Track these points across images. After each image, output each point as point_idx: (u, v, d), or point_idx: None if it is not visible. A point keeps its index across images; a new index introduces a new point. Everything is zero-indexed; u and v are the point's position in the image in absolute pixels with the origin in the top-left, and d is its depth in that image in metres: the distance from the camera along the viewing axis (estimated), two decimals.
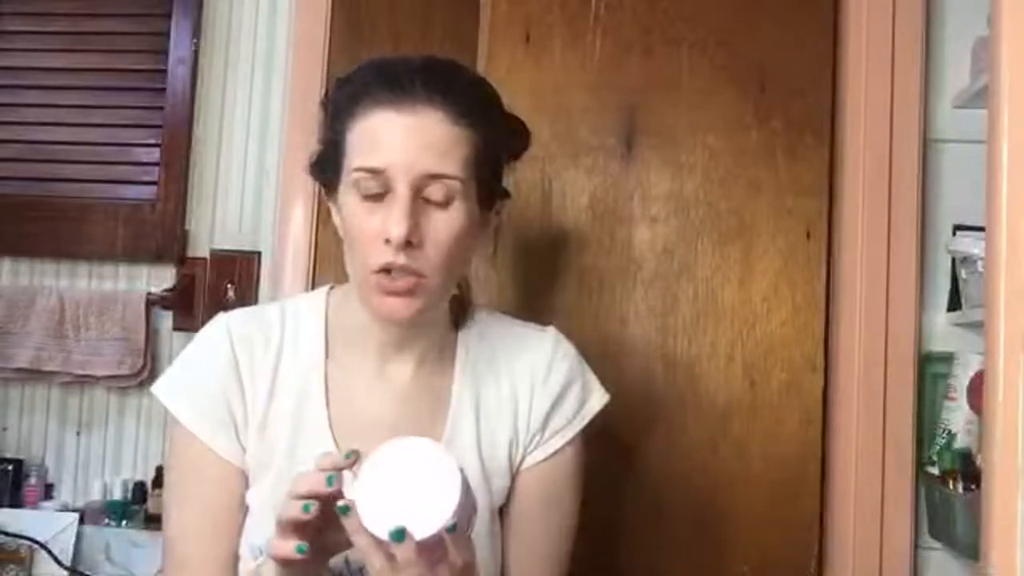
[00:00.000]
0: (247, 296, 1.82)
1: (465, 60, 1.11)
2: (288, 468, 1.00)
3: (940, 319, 1.58)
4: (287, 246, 1.76)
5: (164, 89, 1.90)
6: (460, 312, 1.13)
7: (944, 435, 1.49)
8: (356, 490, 0.82)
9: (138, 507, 1.82)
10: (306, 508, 0.83)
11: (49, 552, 1.75)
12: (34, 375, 1.87)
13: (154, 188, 1.89)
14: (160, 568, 1.09)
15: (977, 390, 1.42)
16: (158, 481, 1.77)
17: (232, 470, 1.03)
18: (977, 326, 1.48)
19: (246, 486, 1.04)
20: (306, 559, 0.84)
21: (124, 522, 1.80)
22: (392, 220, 0.94)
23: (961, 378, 1.48)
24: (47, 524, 1.78)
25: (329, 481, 0.83)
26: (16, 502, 1.83)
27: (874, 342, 1.55)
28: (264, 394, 1.04)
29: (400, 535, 0.80)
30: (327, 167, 1.03)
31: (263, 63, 1.88)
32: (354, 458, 0.85)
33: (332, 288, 1.12)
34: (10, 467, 1.85)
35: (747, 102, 1.59)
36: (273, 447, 1.03)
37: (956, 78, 1.60)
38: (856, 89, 1.58)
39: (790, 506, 1.55)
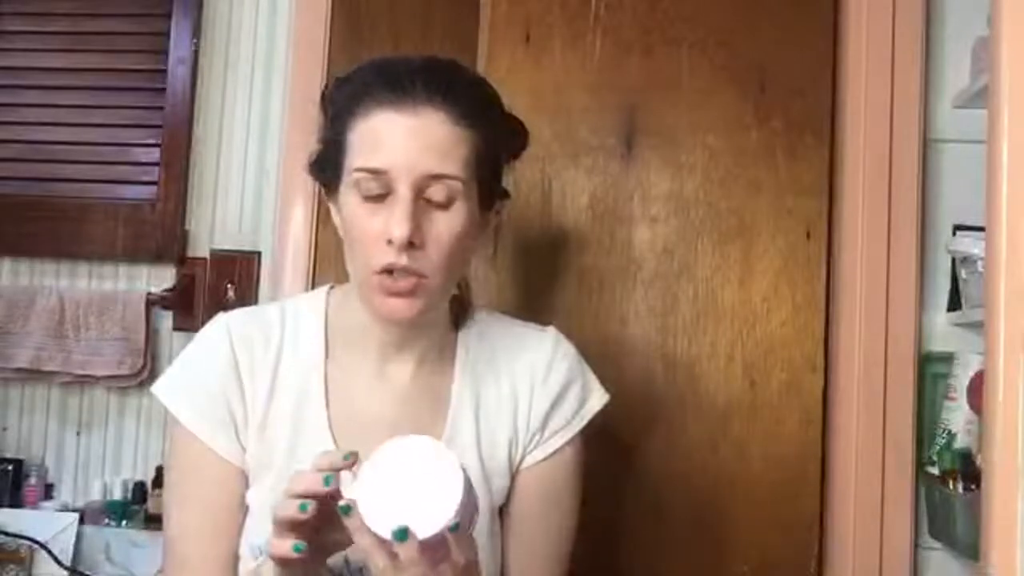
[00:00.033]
0: (247, 296, 1.82)
1: (465, 60, 1.11)
2: (288, 468, 1.00)
3: (940, 319, 1.58)
4: (287, 246, 1.76)
5: (164, 89, 1.90)
6: (460, 312, 1.13)
7: (944, 435, 1.49)
8: (358, 489, 0.82)
9: (138, 507, 1.82)
10: (303, 508, 0.83)
11: (49, 552, 1.75)
12: (34, 375, 1.87)
13: (154, 188, 1.89)
14: (160, 568, 1.09)
15: (977, 390, 1.42)
16: (158, 481, 1.77)
17: (232, 470, 1.03)
18: (977, 326, 1.48)
19: (246, 486, 1.04)
20: (304, 558, 0.84)
21: (124, 522, 1.80)
22: (394, 221, 0.94)
23: (961, 378, 1.48)
24: (47, 524, 1.78)
25: (326, 481, 0.83)
26: (16, 502, 1.83)
27: (874, 342, 1.55)
28: (264, 394, 1.04)
29: (403, 534, 0.79)
30: (327, 167, 1.04)
31: (263, 63, 1.88)
32: (352, 459, 0.84)
33: (332, 288, 1.12)
34: (10, 467, 1.85)
35: (747, 102, 1.59)
36: (273, 447, 1.03)
37: (956, 78, 1.60)
38: (856, 89, 1.58)
39: (790, 506, 1.55)
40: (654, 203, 1.60)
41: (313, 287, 1.60)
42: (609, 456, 1.46)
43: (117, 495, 1.85)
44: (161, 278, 1.89)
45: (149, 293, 1.86)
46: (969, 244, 1.46)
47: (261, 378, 1.04)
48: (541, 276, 1.59)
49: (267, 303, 1.30)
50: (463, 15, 1.68)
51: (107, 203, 1.90)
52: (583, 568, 1.17)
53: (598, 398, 1.13)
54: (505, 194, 1.09)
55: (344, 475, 0.85)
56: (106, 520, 1.81)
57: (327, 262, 1.72)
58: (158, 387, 1.06)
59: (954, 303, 1.56)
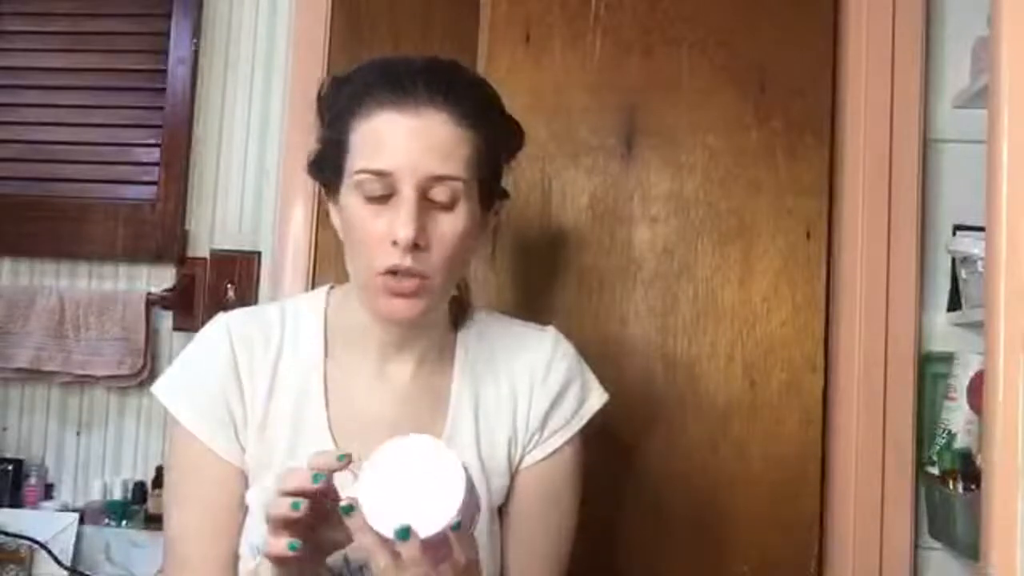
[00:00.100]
0: (247, 296, 1.82)
1: (465, 60, 1.11)
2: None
3: (940, 319, 1.58)
4: (287, 246, 1.76)
5: (164, 89, 1.90)
6: (459, 312, 1.13)
7: (944, 435, 1.49)
8: (360, 488, 0.82)
9: (138, 507, 1.82)
10: (295, 506, 0.82)
11: (49, 552, 1.75)
12: (34, 375, 1.87)
13: (154, 188, 1.89)
14: (160, 568, 1.09)
15: (977, 390, 1.42)
16: (158, 481, 1.77)
17: (232, 470, 1.03)
18: (977, 326, 1.48)
19: (246, 486, 1.04)
20: (301, 557, 0.84)
21: (124, 522, 1.80)
22: (399, 222, 0.94)
23: (961, 378, 1.48)
24: (47, 524, 1.78)
25: (315, 479, 0.83)
26: (16, 502, 1.83)
27: (874, 342, 1.55)
28: (263, 394, 1.04)
29: (405, 533, 0.79)
30: (326, 167, 1.03)
31: (263, 63, 1.88)
32: (347, 460, 0.84)
33: (332, 288, 1.12)
34: (10, 467, 1.85)
35: (747, 102, 1.59)
36: (273, 447, 1.03)
37: (956, 78, 1.60)
38: (856, 89, 1.58)
39: (790, 506, 1.55)
40: (654, 203, 1.60)
41: (313, 287, 1.60)
42: (609, 456, 1.46)
43: (117, 495, 1.85)
44: (161, 278, 1.89)
45: (149, 293, 1.86)
46: (969, 244, 1.46)
47: (261, 378, 1.04)
48: (541, 276, 1.59)
49: (267, 303, 1.30)
50: (463, 15, 1.68)
51: (107, 203, 1.90)
52: (582, 568, 1.17)
53: (597, 398, 1.13)
54: (504, 194, 1.09)
55: (345, 475, 0.85)
56: (106, 520, 1.81)
57: (327, 262, 1.72)
58: (158, 387, 1.06)
59: (954, 303, 1.56)
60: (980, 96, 1.50)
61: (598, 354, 1.19)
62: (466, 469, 0.83)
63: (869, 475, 1.54)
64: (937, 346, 1.57)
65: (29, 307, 1.87)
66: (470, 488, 0.83)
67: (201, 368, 1.05)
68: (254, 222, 1.87)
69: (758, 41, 1.60)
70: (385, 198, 0.96)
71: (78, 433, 1.90)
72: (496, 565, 1.07)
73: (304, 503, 0.82)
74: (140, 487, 1.84)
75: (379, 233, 0.96)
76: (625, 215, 1.59)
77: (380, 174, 0.95)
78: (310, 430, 1.04)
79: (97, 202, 1.90)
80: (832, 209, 1.59)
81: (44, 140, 1.94)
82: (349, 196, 0.99)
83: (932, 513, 1.52)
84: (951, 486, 1.42)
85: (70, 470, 1.89)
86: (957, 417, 1.48)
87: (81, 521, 1.79)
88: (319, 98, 1.06)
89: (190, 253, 1.88)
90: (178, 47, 1.90)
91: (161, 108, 1.90)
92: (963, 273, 1.50)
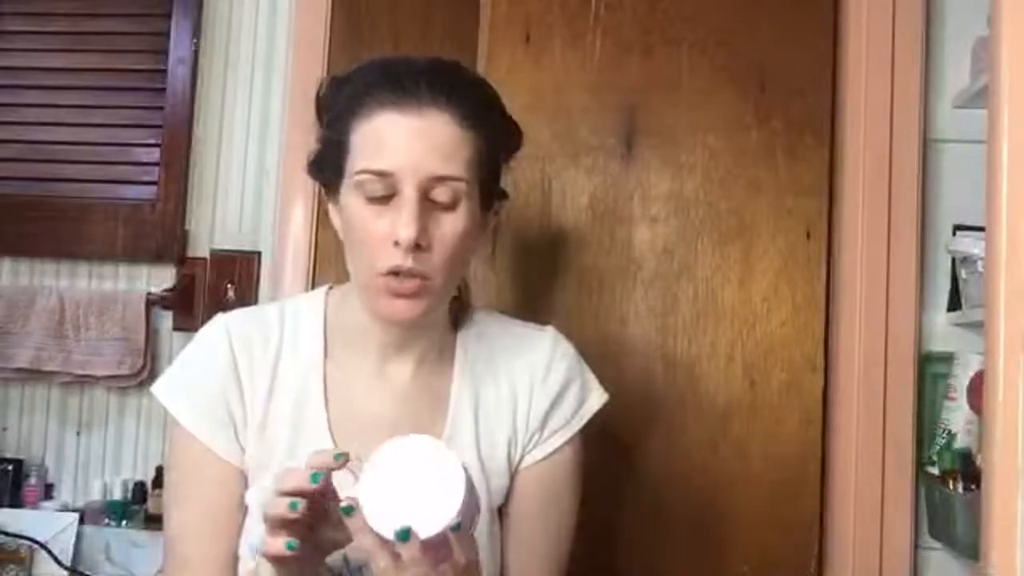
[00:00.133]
0: (247, 296, 1.82)
1: (465, 60, 1.11)
2: None
3: (940, 319, 1.58)
4: (287, 246, 1.76)
5: (164, 89, 1.90)
6: (459, 312, 1.13)
7: (944, 435, 1.49)
8: (360, 489, 0.82)
9: (138, 507, 1.82)
10: (293, 506, 0.82)
11: (49, 552, 1.75)
12: (34, 375, 1.87)
13: (154, 188, 1.89)
14: (160, 568, 1.09)
15: (977, 390, 1.42)
16: (158, 481, 1.77)
17: (231, 470, 1.03)
18: (977, 326, 1.48)
19: (245, 486, 1.04)
20: (299, 556, 0.84)
21: (124, 522, 1.80)
22: (401, 223, 0.94)
23: (961, 378, 1.48)
24: (47, 524, 1.78)
25: (314, 478, 0.83)
26: (16, 502, 1.83)
27: (874, 342, 1.55)
28: (263, 394, 1.04)
29: (406, 534, 0.79)
30: (326, 167, 1.03)
31: (263, 63, 1.88)
32: (344, 460, 0.84)
33: (331, 288, 1.12)
34: (10, 467, 1.85)
35: (747, 102, 1.59)
36: (272, 447, 1.03)
37: (956, 78, 1.60)
38: (856, 89, 1.58)
39: (790, 506, 1.55)
40: (654, 203, 1.60)
41: (313, 287, 1.60)
42: (609, 456, 1.46)
43: (117, 495, 1.85)
44: (161, 278, 1.89)
45: (149, 293, 1.86)
46: (969, 244, 1.46)
47: (260, 378, 1.04)
48: (541, 276, 1.59)
49: (267, 303, 1.30)
50: (463, 15, 1.68)
51: (107, 203, 1.90)
52: (582, 568, 1.17)
53: (597, 397, 1.13)
54: (503, 195, 1.09)
55: (345, 476, 0.85)
56: (106, 520, 1.81)
57: (327, 262, 1.72)
58: (158, 387, 1.06)
59: (954, 303, 1.56)
60: (980, 96, 1.50)
61: (598, 354, 1.19)
62: (466, 469, 0.83)
63: (869, 475, 1.54)
64: (937, 346, 1.57)
65: (29, 307, 1.87)
66: (470, 489, 0.83)
67: (201, 368, 1.05)
68: (254, 222, 1.87)
69: (758, 41, 1.60)
70: (386, 198, 0.96)
71: (78, 433, 1.90)
72: (496, 565, 1.07)
73: (302, 503, 0.82)
74: (140, 487, 1.84)
75: (380, 233, 0.96)
76: (625, 215, 1.59)
77: (381, 174, 0.95)
78: (310, 430, 1.04)
79: (97, 202, 1.90)
80: (832, 209, 1.59)
81: (44, 140, 1.94)
82: (350, 196, 0.99)
83: (932, 513, 1.52)
84: (951, 486, 1.42)
85: (70, 470, 1.89)
86: (957, 417, 1.48)
87: (81, 521, 1.79)
88: (318, 98, 1.06)
89: (190, 253, 1.88)
90: (178, 47, 1.90)
91: (161, 108, 1.90)
92: (963, 273, 1.50)
